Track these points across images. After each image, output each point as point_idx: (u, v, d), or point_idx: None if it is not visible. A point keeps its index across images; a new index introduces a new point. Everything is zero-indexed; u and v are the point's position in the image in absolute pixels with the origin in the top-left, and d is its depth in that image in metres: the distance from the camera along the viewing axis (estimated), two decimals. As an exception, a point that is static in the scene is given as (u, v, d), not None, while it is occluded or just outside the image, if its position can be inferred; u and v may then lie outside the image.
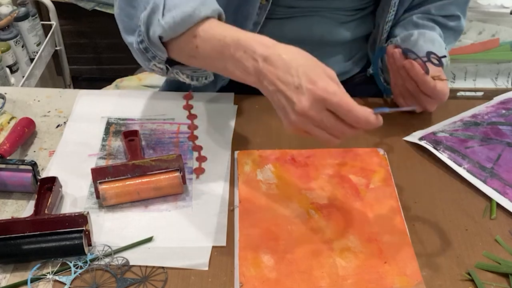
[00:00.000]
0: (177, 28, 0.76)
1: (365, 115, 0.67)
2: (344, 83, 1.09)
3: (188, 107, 0.98)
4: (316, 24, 0.99)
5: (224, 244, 0.77)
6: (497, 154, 0.89)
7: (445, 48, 0.99)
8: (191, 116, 0.97)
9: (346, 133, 0.69)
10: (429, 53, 0.90)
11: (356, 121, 0.67)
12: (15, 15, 1.74)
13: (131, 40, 0.83)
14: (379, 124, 0.69)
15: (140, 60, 0.83)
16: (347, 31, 1.02)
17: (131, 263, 0.74)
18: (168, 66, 0.82)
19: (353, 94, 1.03)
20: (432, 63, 0.90)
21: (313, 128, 0.69)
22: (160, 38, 0.77)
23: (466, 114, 0.98)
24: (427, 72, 0.89)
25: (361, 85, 1.12)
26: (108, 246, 0.76)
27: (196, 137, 0.93)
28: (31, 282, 0.72)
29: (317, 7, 0.98)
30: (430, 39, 0.97)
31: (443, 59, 0.95)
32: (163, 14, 0.76)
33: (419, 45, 0.96)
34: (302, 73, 0.68)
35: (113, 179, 0.81)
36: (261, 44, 0.72)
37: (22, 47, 1.78)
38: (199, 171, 0.87)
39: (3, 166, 0.83)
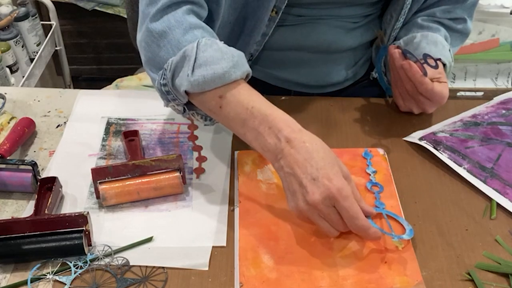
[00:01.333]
0: (205, 86, 0.76)
1: (365, 228, 0.72)
2: (349, 87, 1.10)
3: None
4: (323, 32, 0.99)
5: (224, 244, 0.77)
6: (497, 154, 0.89)
7: (449, 50, 0.98)
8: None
9: (345, 230, 0.74)
10: (425, 55, 0.90)
11: (356, 229, 0.72)
12: (15, 15, 1.74)
13: (153, 76, 0.82)
14: (376, 238, 0.74)
15: (160, 96, 0.83)
16: (354, 38, 1.02)
17: (131, 263, 0.74)
18: (185, 107, 0.83)
19: (358, 96, 1.04)
20: (429, 65, 0.90)
21: (318, 218, 0.73)
22: (186, 91, 0.78)
23: (466, 114, 0.98)
24: (425, 74, 0.89)
25: (365, 87, 1.12)
26: (108, 246, 0.76)
27: (196, 137, 0.93)
28: (31, 282, 0.72)
29: (323, 15, 0.97)
30: (433, 41, 0.97)
31: (447, 62, 0.95)
32: (193, 70, 0.75)
33: (422, 47, 0.96)
34: (322, 167, 0.71)
35: (113, 179, 0.81)
36: (288, 126, 0.74)
37: (22, 47, 1.78)
38: (199, 171, 0.87)
39: (3, 166, 0.84)
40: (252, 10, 0.92)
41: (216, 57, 0.75)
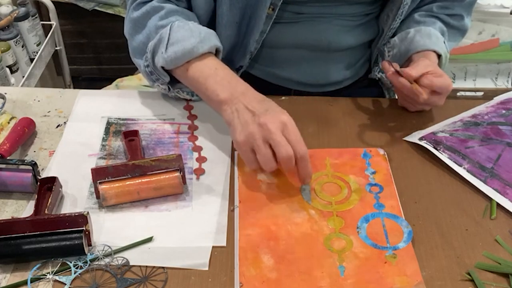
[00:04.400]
0: (177, 61, 0.88)
1: (305, 153, 0.78)
2: (349, 87, 1.10)
3: (189, 108, 0.98)
4: (323, 30, 0.99)
5: (224, 244, 0.77)
6: (497, 154, 0.89)
7: (444, 42, 0.99)
8: (192, 117, 0.97)
9: (273, 167, 0.79)
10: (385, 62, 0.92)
11: (300, 152, 0.78)
12: (15, 15, 1.74)
13: (139, 62, 0.94)
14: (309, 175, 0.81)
15: (146, 79, 0.95)
16: (354, 37, 1.02)
17: (131, 263, 0.74)
18: (170, 87, 0.95)
19: (358, 96, 1.03)
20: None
21: (260, 144, 0.78)
22: (163, 67, 0.90)
23: (466, 114, 0.98)
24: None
25: (364, 88, 1.12)
26: (108, 246, 0.76)
27: (196, 138, 0.93)
28: (31, 282, 0.72)
29: (323, 13, 0.98)
30: (427, 34, 0.98)
31: (442, 53, 0.96)
32: (166, 48, 0.87)
33: (416, 41, 0.97)
34: (274, 109, 0.81)
35: (113, 179, 0.81)
36: (249, 90, 0.85)
37: (22, 47, 1.78)
38: (199, 172, 0.87)
39: (3, 166, 0.84)
40: (251, 9, 0.93)
41: (186, 36, 0.87)
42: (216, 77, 0.86)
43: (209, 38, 0.89)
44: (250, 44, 0.98)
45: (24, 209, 0.81)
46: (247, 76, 1.05)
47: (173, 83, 0.94)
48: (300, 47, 1.01)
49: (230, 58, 1.02)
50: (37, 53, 1.85)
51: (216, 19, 0.98)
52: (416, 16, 1.02)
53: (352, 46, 1.03)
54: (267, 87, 1.02)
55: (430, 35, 0.98)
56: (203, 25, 0.92)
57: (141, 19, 0.93)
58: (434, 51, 0.97)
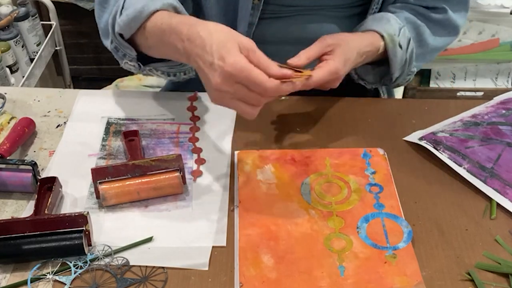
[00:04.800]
0: (131, 24, 0.83)
1: (275, 89, 0.72)
2: (347, 85, 1.08)
3: (192, 109, 0.98)
4: (312, 23, 0.98)
5: (224, 244, 0.77)
6: (497, 154, 0.89)
7: (401, 29, 0.95)
8: (194, 118, 0.97)
9: (261, 101, 0.74)
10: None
11: (265, 92, 0.72)
12: (15, 15, 1.74)
13: (106, 43, 0.90)
14: (288, 90, 0.75)
15: (116, 57, 0.91)
16: (342, 30, 1.01)
17: (131, 263, 0.74)
18: (141, 64, 0.89)
19: (357, 96, 1.03)
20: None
21: (230, 101, 0.74)
22: (122, 36, 0.86)
23: (466, 114, 0.98)
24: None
25: (365, 87, 1.11)
26: (108, 246, 0.76)
27: (197, 139, 0.93)
28: (31, 282, 0.72)
29: (309, 5, 0.97)
30: (378, 18, 0.95)
31: (384, 33, 0.92)
32: (121, 13, 0.84)
33: (364, 25, 0.95)
34: (216, 50, 0.72)
35: (113, 179, 0.81)
36: (185, 24, 0.77)
37: (22, 47, 1.78)
38: (197, 174, 0.86)
39: (3, 166, 0.84)
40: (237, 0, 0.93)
41: (138, 0, 0.82)
42: (165, 34, 0.79)
43: None
44: None
45: (24, 209, 0.81)
46: None
47: (144, 62, 0.89)
48: (290, 42, 1.00)
49: None
50: (37, 53, 1.85)
51: (203, 11, 0.98)
52: (390, 7, 1.00)
53: None
54: None
55: (381, 19, 0.95)
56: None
57: None
58: (376, 32, 0.94)
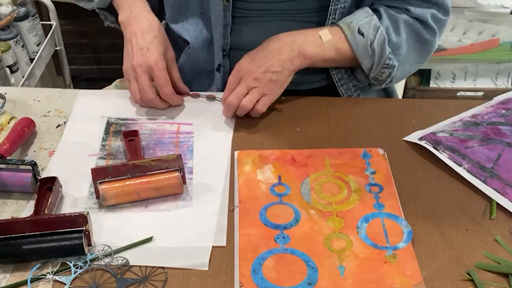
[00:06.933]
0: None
1: (170, 96, 0.95)
2: (346, 84, 1.06)
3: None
4: (282, 29, 0.97)
5: (224, 244, 0.77)
6: (497, 154, 0.89)
7: (366, 15, 0.94)
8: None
9: (150, 101, 0.95)
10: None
11: (164, 95, 0.95)
12: (15, 15, 1.74)
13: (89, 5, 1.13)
14: (178, 102, 0.98)
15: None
16: None
17: (131, 263, 0.74)
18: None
19: (357, 96, 1.03)
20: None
21: (132, 80, 0.95)
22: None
23: (466, 114, 0.98)
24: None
25: (364, 87, 1.09)
26: (108, 246, 0.76)
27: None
28: (31, 282, 0.72)
29: (277, 9, 0.98)
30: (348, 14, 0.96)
31: (342, 24, 0.93)
32: None
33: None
34: (150, 41, 0.94)
35: (113, 179, 0.81)
36: (137, 5, 0.98)
37: (22, 47, 1.78)
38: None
39: (3, 166, 0.84)
40: (207, 1, 0.97)
41: None
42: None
43: None
44: (218, 39, 0.99)
45: (24, 209, 0.81)
46: None
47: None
48: None
49: (207, 56, 1.04)
50: (37, 53, 1.85)
51: (180, 9, 1.03)
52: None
53: None
54: None
55: (349, 14, 0.96)
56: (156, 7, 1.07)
57: None
58: (337, 25, 0.95)
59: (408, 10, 0.98)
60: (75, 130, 0.94)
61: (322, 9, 0.98)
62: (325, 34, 0.94)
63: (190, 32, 1.04)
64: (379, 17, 0.96)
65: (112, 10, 1.04)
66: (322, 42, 0.94)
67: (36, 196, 0.79)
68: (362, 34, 0.94)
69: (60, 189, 0.82)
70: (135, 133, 0.90)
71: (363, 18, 0.95)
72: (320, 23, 0.99)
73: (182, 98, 0.98)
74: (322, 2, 0.97)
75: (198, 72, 1.07)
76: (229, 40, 1.00)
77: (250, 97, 0.93)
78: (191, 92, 1.01)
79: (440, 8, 0.99)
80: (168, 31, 1.05)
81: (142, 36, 0.94)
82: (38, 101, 1.00)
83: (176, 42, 1.06)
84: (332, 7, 0.95)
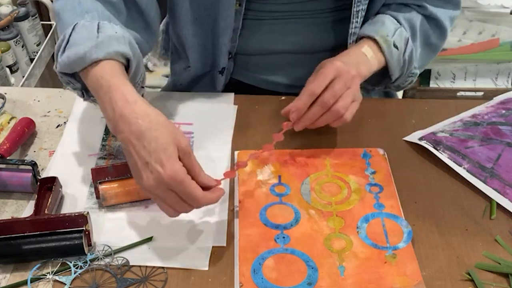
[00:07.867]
0: (73, 66, 0.75)
1: (208, 202, 0.72)
2: None
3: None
4: (303, 30, 0.97)
5: (224, 244, 0.77)
6: (497, 154, 0.89)
7: (396, 30, 0.94)
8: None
9: (187, 210, 0.72)
10: None
11: (196, 204, 0.71)
12: (15, 15, 1.74)
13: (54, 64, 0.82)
14: (217, 200, 0.73)
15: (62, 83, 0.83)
16: (336, 35, 0.99)
17: (131, 263, 0.74)
18: (84, 93, 0.82)
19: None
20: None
21: (156, 199, 0.72)
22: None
23: (466, 114, 0.98)
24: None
25: (364, 87, 1.09)
26: (108, 246, 0.76)
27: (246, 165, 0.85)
28: (31, 282, 0.72)
29: (291, 10, 0.96)
30: (373, 21, 0.95)
31: (376, 36, 0.92)
32: (63, 51, 0.76)
33: (360, 32, 0.95)
34: (154, 149, 0.68)
35: (113, 179, 0.81)
36: (122, 96, 0.71)
37: (22, 47, 1.78)
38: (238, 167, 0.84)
39: (3, 166, 0.84)
40: (216, 5, 0.92)
41: (83, 38, 0.75)
42: (102, 90, 0.73)
43: (108, 43, 0.75)
44: (225, 43, 0.97)
45: (24, 209, 0.81)
46: (237, 84, 1.05)
47: (88, 90, 0.80)
48: (273, 52, 1.00)
49: (209, 60, 1.01)
50: (37, 53, 1.85)
51: (175, 16, 0.97)
52: (384, 9, 0.99)
53: (335, 46, 1.00)
54: (258, 93, 1.02)
55: (376, 22, 0.95)
56: (148, 16, 0.88)
57: (57, 13, 0.81)
58: (369, 37, 0.93)
59: (424, 7, 0.97)
60: (75, 130, 0.94)
61: (337, 9, 0.98)
62: (368, 51, 0.92)
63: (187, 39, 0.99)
64: (400, 23, 0.96)
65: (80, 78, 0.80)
66: (368, 60, 0.92)
67: (36, 196, 0.79)
68: (396, 47, 0.94)
69: (60, 189, 0.82)
70: (135, 133, 0.90)
71: (393, 30, 0.94)
72: (334, 24, 0.98)
73: (218, 190, 0.74)
74: (339, 1, 0.97)
75: (196, 77, 1.06)
76: (237, 43, 0.98)
77: (343, 103, 0.84)
78: (222, 177, 0.78)
79: (456, 7, 1.01)
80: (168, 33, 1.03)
81: (141, 143, 0.69)
82: (38, 101, 1.00)
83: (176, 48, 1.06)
84: (355, 9, 0.93)
